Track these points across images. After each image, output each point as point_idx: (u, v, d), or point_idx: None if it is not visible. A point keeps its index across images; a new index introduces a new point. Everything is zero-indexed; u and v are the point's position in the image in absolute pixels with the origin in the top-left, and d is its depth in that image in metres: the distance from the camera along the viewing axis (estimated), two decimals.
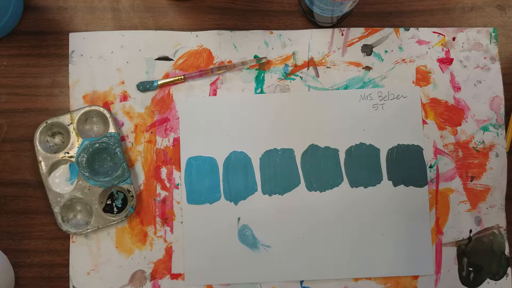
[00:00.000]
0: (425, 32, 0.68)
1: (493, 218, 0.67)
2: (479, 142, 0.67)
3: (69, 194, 0.64)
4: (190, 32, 0.68)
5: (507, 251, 0.66)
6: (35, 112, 0.67)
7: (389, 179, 0.67)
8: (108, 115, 0.65)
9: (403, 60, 0.68)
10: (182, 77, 0.67)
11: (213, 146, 0.67)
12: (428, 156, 0.67)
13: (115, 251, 0.66)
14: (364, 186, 0.67)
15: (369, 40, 0.68)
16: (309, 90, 0.68)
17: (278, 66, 0.68)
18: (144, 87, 0.67)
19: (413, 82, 0.68)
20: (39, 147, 0.64)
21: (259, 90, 0.68)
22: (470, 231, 0.67)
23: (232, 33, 0.68)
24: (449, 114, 0.68)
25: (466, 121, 0.68)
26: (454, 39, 0.68)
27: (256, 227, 0.66)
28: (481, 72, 0.68)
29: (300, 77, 0.68)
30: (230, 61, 0.68)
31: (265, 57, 0.67)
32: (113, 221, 0.64)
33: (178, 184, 0.66)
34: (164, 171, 0.67)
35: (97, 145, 0.64)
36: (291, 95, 0.67)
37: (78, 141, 0.65)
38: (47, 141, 0.66)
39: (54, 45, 0.68)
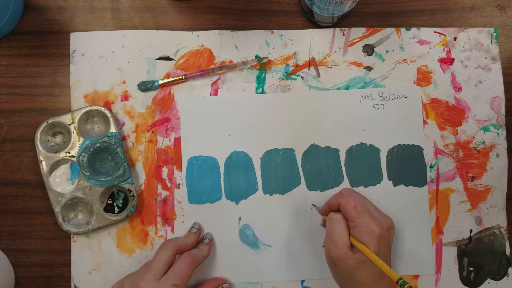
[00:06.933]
0: (426, 32, 0.68)
1: (494, 218, 0.67)
2: (480, 142, 0.68)
3: (70, 193, 0.64)
4: (191, 32, 0.68)
5: (507, 251, 0.67)
6: (35, 112, 0.67)
7: (389, 179, 0.67)
8: (109, 115, 0.65)
9: (404, 60, 0.68)
10: (183, 76, 0.67)
11: (214, 146, 0.67)
12: (429, 156, 0.67)
13: (116, 250, 0.66)
14: (365, 186, 0.67)
15: (370, 40, 0.68)
16: (310, 90, 0.68)
17: (279, 66, 0.68)
18: (145, 86, 0.67)
19: (414, 82, 0.68)
20: (40, 147, 0.64)
21: (260, 90, 0.68)
22: (471, 231, 0.67)
23: (233, 33, 0.68)
24: (449, 114, 0.68)
25: (467, 121, 0.68)
26: (455, 39, 0.68)
27: (257, 227, 0.66)
28: (482, 72, 0.68)
29: (301, 77, 0.68)
30: (231, 61, 0.68)
31: (266, 57, 0.67)
32: (114, 220, 0.64)
33: (179, 184, 0.66)
34: (165, 170, 0.67)
35: (98, 144, 0.64)
36: (292, 95, 0.67)
37: (79, 140, 0.64)
38: (48, 140, 0.66)
39: (54, 45, 0.68)
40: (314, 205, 0.65)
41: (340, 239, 0.57)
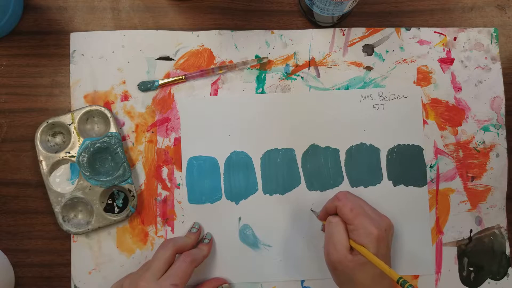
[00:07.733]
0: (426, 32, 0.68)
1: (494, 218, 0.67)
2: (480, 142, 0.68)
3: (70, 193, 0.64)
4: (191, 32, 0.68)
5: (507, 251, 0.67)
6: (35, 112, 0.67)
7: (389, 179, 0.67)
8: (109, 115, 0.65)
9: (404, 60, 0.68)
10: (183, 77, 0.67)
11: (214, 146, 0.67)
12: (429, 156, 0.67)
13: (116, 250, 0.66)
14: (364, 186, 0.67)
15: (370, 40, 0.68)
16: (310, 90, 0.68)
17: (279, 66, 0.68)
18: (145, 86, 0.67)
19: (414, 82, 0.68)
20: (40, 147, 0.64)
21: (260, 90, 0.68)
22: (471, 231, 0.67)
23: (233, 33, 0.68)
24: (449, 114, 0.68)
25: (467, 121, 0.68)
26: (455, 39, 0.68)
27: (257, 227, 0.66)
28: (482, 72, 0.68)
29: (301, 77, 0.68)
30: (231, 61, 0.68)
31: (266, 57, 0.67)
32: (114, 220, 0.64)
33: (179, 184, 0.66)
34: (165, 171, 0.67)
35: (98, 144, 0.64)
36: (292, 95, 0.67)
37: (79, 140, 0.64)
38: (48, 140, 0.66)
39: (54, 45, 0.68)
40: (312, 211, 0.65)
41: (339, 242, 0.57)
